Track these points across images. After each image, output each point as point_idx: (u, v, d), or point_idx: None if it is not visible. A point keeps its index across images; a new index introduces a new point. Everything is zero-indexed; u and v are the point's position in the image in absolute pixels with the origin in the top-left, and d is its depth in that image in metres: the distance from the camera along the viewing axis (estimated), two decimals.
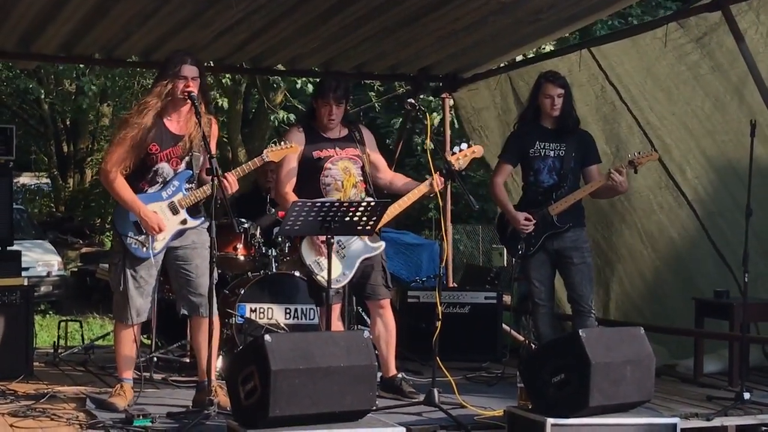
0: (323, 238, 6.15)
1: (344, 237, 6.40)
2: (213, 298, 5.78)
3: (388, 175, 6.83)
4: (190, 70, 6.01)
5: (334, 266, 6.29)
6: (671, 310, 8.51)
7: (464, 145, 6.72)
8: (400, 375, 6.71)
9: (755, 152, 6.70)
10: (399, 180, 6.84)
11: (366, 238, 6.49)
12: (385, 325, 6.69)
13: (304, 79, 17.37)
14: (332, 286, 6.30)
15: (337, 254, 6.42)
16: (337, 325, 6.46)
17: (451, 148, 6.72)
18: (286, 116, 18.55)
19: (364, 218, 6.02)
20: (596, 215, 8.56)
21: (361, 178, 6.63)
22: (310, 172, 6.56)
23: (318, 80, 6.79)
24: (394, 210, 6.49)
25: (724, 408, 6.33)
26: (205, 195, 6.02)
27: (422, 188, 6.53)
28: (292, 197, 6.43)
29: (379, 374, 6.77)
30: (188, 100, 5.97)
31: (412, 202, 6.63)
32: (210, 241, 5.63)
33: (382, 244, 6.63)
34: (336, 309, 6.51)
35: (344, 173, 6.56)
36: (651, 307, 8.79)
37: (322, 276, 6.31)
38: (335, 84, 6.59)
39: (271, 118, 18.49)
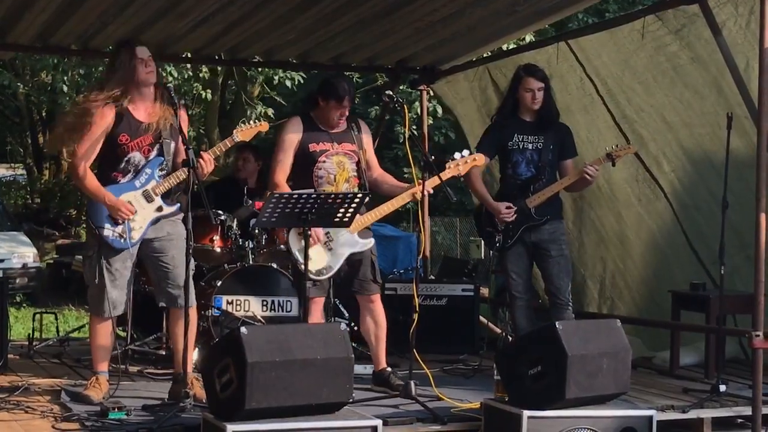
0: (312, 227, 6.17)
1: (333, 229, 6.39)
2: (189, 289, 5.76)
3: (375, 173, 6.77)
4: (142, 51, 6.03)
5: (320, 258, 6.36)
6: (657, 295, 8.51)
7: (465, 152, 6.71)
8: (389, 369, 6.69)
9: (733, 144, 6.72)
10: (386, 180, 6.77)
11: (356, 233, 6.48)
12: (375, 320, 6.68)
13: (281, 74, 17.35)
14: (317, 278, 6.34)
15: (325, 246, 6.43)
16: (318, 318, 6.46)
17: (449, 156, 6.71)
18: (264, 110, 18.50)
19: (341, 210, 6.01)
20: (587, 195, 8.57)
21: (355, 174, 6.61)
22: (305, 164, 6.55)
23: (325, 78, 6.73)
24: (372, 217, 6.49)
25: (700, 400, 6.35)
26: (179, 180, 6.02)
27: (404, 197, 6.50)
28: (284, 187, 6.45)
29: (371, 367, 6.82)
30: (152, 87, 5.98)
31: (391, 211, 6.62)
32: (186, 233, 5.61)
33: (372, 240, 6.61)
34: (320, 302, 6.52)
35: (338, 167, 6.55)
36: (640, 290, 8.82)
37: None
38: (349, 88, 6.56)
39: (248, 113, 18.43)
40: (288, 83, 17.68)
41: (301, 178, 6.56)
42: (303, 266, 6.29)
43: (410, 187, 6.53)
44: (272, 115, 18.52)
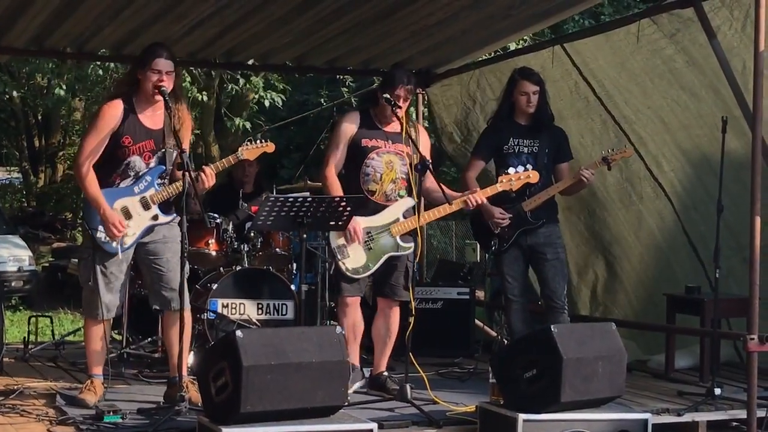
0: (354, 224, 6.26)
1: (374, 230, 6.43)
2: (184, 293, 5.75)
3: (427, 182, 6.62)
4: (164, 64, 5.98)
5: (358, 256, 6.41)
6: (657, 298, 8.51)
7: (520, 168, 6.69)
8: (386, 373, 6.68)
9: (730, 146, 6.72)
10: (435, 189, 6.56)
11: (397, 235, 6.49)
12: (388, 326, 6.67)
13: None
14: (354, 276, 6.40)
15: (365, 245, 6.43)
16: (354, 318, 6.51)
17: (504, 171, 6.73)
18: (242, 123, 18.49)
19: (336, 214, 6.02)
20: (578, 204, 8.57)
21: (403, 176, 6.59)
22: (355, 158, 6.57)
23: (385, 73, 6.77)
24: (415, 222, 6.43)
25: (695, 403, 6.36)
26: (178, 191, 5.98)
27: (453, 206, 6.49)
28: (334, 180, 6.52)
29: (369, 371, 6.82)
30: (160, 95, 5.94)
31: (437, 218, 6.65)
32: (181, 236, 5.61)
33: (412, 245, 6.55)
34: (355, 302, 6.53)
35: (386, 166, 6.55)
36: (638, 292, 8.82)
37: (343, 263, 6.38)
38: (407, 77, 6.57)
39: (235, 121, 18.45)
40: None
41: (350, 171, 6.58)
42: (340, 262, 6.34)
43: (460, 196, 6.52)
44: (262, 122, 18.67)
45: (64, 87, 18.33)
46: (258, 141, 6.32)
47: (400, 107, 6.47)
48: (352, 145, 6.57)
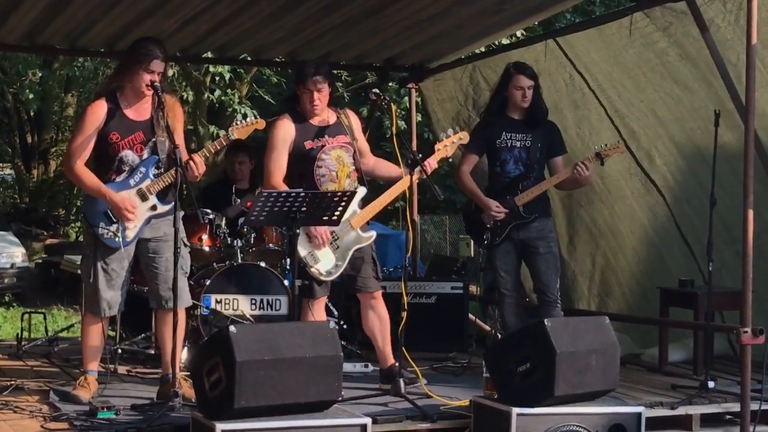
0: (319, 229, 6.23)
1: (338, 228, 6.38)
2: (177, 289, 5.74)
3: (370, 161, 6.74)
4: (158, 66, 5.96)
5: (328, 258, 6.40)
6: (649, 291, 8.53)
7: (450, 131, 6.71)
8: (397, 364, 6.57)
9: (723, 138, 6.71)
10: (382, 166, 6.75)
11: (358, 227, 6.47)
12: (379, 317, 6.65)
13: (243, 112, 17.37)
14: (326, 278, 6.38)
15: (331, 246, 6.41)
16: (322, 318, 6.47)
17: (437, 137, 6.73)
18: (246, 110, 18.45)
19: (330, 208, 6.01)
20: (577, 192, 8.56)
21: (354, 167, 6.56)
22: (304, 164, 6.44)
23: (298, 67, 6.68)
24: (371, 210, 6.47)
25: (689, 397, 6.37)
26: (173, 178, 5.94)
27: (400, 185, 6.47)
28: (284, 187, 6.35)
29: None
30: (152, 89, 5.93)
31: (389, 202, 6.61)
32: (174, 232, 5.60)
33: (374, 233, 6.57)
34: (322, 302, 6.53)
35: (338, 163, 6.50)
36: (630, 285, 8.83)
37: (316, 268, 6.35)
38: (314, 69, 6.44)
39: (235, 108, 18.42)
40: (274, 79, 17.68)
41: (301, 178, 6.43)
42: (311, 269, 6.32)
43: (404, 171, 6.44)
44: (257, 116, 18.52)
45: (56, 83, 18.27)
46: (248, 119, 6.26)
47: (389, 102, 6.49)
48: (294, 152, 6.43)
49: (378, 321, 6.65)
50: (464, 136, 6.76)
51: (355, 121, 6.68)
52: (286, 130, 6.45)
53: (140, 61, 5.95)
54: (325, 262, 6.40)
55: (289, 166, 6.46)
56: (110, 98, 6.06)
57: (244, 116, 16.67)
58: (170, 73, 16.60)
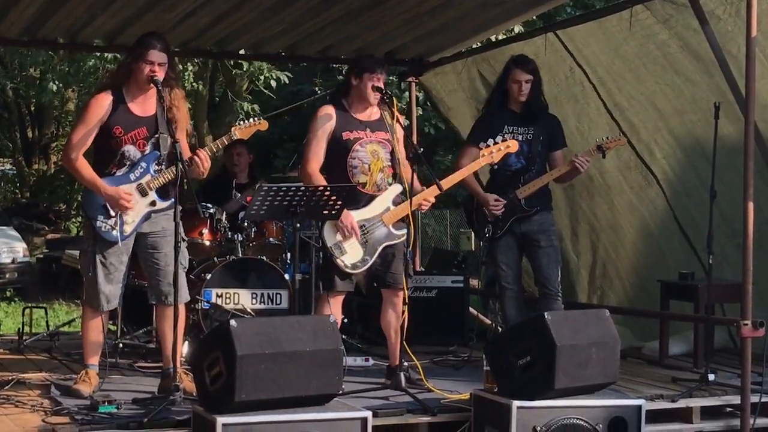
0: (346, 221, 6.21)
1: (368, 222, 6.37)
2: (177, 283, 5.74)
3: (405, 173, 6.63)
4: (157, 56, 5.96)
5: (355, 251, 6.35)
6: (648, 284, 8.53)
7: (499, 138, 6.68)
8: (405, 363, 6.50)
9: (724, 131, 6.70)
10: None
11: (390, 224, 6.45)
12: (397, 315, 6.57)
13: (267, 74, 17.34)
14: (351, 271, 6.35)
15: (361, 239, 6.39)
16: (338, 315, 6.43)
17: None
18: (250, 107, 18.47)
19: (330, 203, 6.01)
20: (579, 185, 8.56)
21: (389, 163, 6.53)
22: (339, 153, 6.45)
23: (354, 58, 6.66)
24: (405, 208, 6.35)
25: (689, 389, 6.37)
26: (174, 175, 5.94)
27: (434, 190, 6.42)
28: (317, 177, 6.38)
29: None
30: (152, 84, 5.93)
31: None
32: (174, 227, 5.60)
33: (405, 232, 6.49)
34: (340, 298, 6.51)
35: (372, 156, 6.47)
36: (631, 279, 8.83)
37: (341, 260, 6.32)
38: (380, 60, 6.51)
39: (236, 107, 18.44)
40: (273, 83, 17.69)
41: (334, 167, 6.46)
42: (337, 260, 6.29)
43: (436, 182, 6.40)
44: (258, 111, 18.51)
45: (56, 82, 18.25)
46: (251, 120, 6.27)
47: (390, 96, 6.47)
48: (332, 141, 6.45)
49: (395, 319, 6.58)
50: (513, 145, 6.67)
51: (398, 124, 6.58)
52: (326, 119, 6.46)
53: (139, 52, 5.97)
54: (351, 255, 6.36)
55: (327, 154, 6.48)
56: (115, 92, 6.07)
57: (247, 116, 16.71)
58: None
